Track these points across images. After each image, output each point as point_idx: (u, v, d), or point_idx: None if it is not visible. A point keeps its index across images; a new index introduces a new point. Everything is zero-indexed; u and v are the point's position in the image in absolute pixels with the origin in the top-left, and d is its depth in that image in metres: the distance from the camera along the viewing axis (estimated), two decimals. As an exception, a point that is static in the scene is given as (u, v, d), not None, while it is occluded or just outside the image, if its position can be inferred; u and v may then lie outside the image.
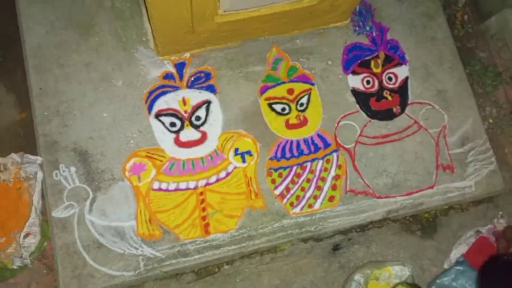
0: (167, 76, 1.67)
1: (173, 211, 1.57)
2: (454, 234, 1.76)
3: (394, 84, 1.80)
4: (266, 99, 1.72)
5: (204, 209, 1.58)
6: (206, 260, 1.56)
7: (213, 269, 1.61)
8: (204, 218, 1.58)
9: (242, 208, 1.61)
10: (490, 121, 1.93)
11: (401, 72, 1.82)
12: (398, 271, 1.58)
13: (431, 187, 1.72)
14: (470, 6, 2.04)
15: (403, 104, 1.79)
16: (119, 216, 1.53)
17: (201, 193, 1.60)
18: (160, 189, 1.58)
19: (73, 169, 1.55)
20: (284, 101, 1.73)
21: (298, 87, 1.75)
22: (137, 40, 1.68)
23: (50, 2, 1.67)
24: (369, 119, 1.76)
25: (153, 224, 1.54)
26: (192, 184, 1.60)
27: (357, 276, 1.57)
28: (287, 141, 1.69)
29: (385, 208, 1.68)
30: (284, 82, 1.74)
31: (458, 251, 1.72)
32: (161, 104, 1.65)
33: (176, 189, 1.59)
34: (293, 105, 1.72)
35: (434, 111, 1.80)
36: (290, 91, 1.74)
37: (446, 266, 1.72)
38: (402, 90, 1.80)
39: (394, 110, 1.78)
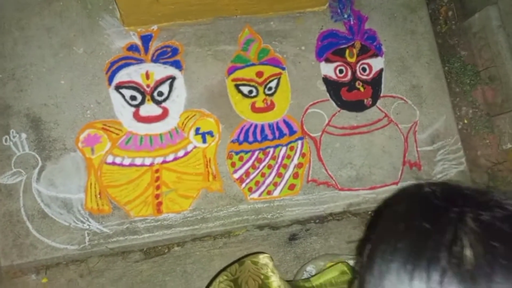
0: (132, 47, 1.61)
1: (126, 187, 1.52)
2: (416, 233, 1.71)
3: (367, 75, 1.75)
4: (233, 80, 1.66)
5: (158, 187, 1.53)
6: (156, 240, 1.51)
7: (163, 249, 1.56)
8: (157, 196, 1.53)
9: (198, 189, 1.56)
10: (465, 121, 1.88)
11: (376, 63, 1.77)
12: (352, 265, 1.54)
13: (396, 183, 1.67)
14: (455, 2, 1.98)
15: (375, 96, 1.74)
16: (68, 187, 1.48)
17: (157, 171, 1.54)
18: (113, 163, 1.53)
19: (24, 135, 1.49)
20: (252, 83, 1.67)
21: (268, 70, 1.69)
22: (103, 7, 1.62)
23: (15, -38, 1.61)
24: (339, 109, 1.71)
25: (103, 198, 1.49)
26: (148, 161, 1.55)
27: (310, 267, 1.52)
28: (251, 125, 1.64)
29: (346, 201, 1.63)
30: (254, 64, 1.69)
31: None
32: (122, 76, 1.59)
33: (131, 165, 1.54)
34: (261, 88, 1.67)
35: (406, 106, 1.74)
36: (259, 74, 1.68)
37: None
38: (375, 82, 1.75)
39: (365, 101, 1.73)
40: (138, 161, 1.54)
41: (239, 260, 1.31)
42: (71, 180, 1.48)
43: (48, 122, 1.51)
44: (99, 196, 1.49)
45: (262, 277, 1.16)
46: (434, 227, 0.48)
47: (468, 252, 0.44)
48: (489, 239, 0.45)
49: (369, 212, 1.71)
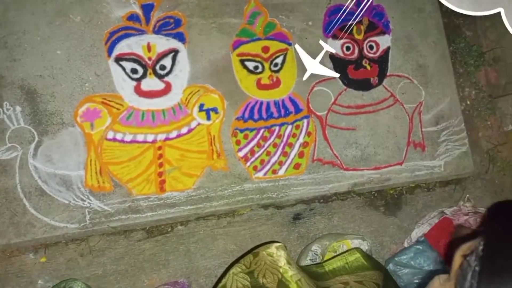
0: (132, 17, 1.52)
1: (127, 164, 1.46)
2: (417, 213, 1.72)
3: (374, 53, 1.71)
4: (238, 55, 1.60)
5: (161, 165, 1.48)
6: (158, 219, 1.47)
7: (166, 228, 1.52)
8: (160, 174, 1.48)
9: (202, 168, 1.51)
10: (468, 102, 1.88)
11: (383, 41, 1.73)
12: (357, 245, 1.54)
13: (400, 164, 1.66)
14: (462, -19, 1.94)
15: (382, 75, 1.71)
16: (67, 164, 1.41)
17: (160, 148, 1.49)
18: (114, 139, 1.46)
19: (18, 108, 1.40)
20: (257, 59, 1.61)
21: (274, 45, 1.63)
22: (101, -27, 1.51)
23: None
24: (345, 87, 1.67)
25: (103, 176, 1.43)
26: (150, 138, 1.49)
27: (315, 247, 1.52)
28: (256, 102, 1.59)
29: (351, 181, 1.62)
30: (259, 39, 1.63)
31: (420, 231, 1.68)
32: (123, 47, 1.50)
33: (133, 141, 1.47)
34: (266, 64, 1.61)
35: (412, 86, 1.72)
36: (265, 49, 1.62)
37: (406, 244, 1.69)
38: (382, 61, 1.72)
39: (372, 80, 1.70)
40: (140, 137, 1.48)
41: (253, 251, 1.28)
42: (70, 156, 1.41)
43: (44, 95, 1.43)
44: (99, 173, 1.43)
45: (281, 270, 1.13)
46: None
47: None
48: None
49: (373, 192, 1.70)
